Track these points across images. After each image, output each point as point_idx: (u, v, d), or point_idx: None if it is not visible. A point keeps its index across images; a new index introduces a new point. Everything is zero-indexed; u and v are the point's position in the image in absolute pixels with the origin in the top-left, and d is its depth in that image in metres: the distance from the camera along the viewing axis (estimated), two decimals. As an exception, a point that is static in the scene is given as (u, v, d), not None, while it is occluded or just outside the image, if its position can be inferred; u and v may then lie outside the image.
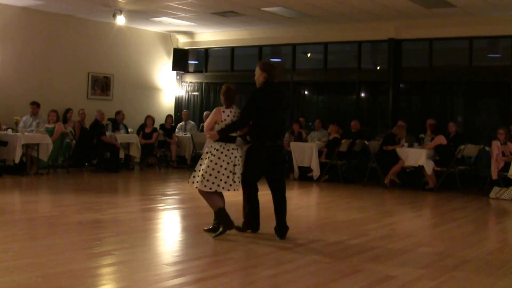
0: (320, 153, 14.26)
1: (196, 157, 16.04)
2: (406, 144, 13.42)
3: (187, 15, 15.30)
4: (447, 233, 8.27)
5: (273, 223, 7.46)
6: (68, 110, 15.40)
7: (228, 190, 7.17)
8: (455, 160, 12.89)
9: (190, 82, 19.24)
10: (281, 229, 7.33)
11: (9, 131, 13.46)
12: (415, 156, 12.95)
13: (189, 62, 19.24)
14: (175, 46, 18.98)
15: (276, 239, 7.26)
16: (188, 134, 16.63)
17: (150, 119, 16.27)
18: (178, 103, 19.30)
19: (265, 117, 7.20)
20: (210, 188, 7.10)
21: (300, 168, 14.42)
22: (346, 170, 14.50)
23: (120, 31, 17.16)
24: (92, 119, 15.16)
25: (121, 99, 17.45)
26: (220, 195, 7.36)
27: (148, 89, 18.40)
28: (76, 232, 7.48)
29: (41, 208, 9.48)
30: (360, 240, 7.46)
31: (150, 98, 18.48)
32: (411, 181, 13.48)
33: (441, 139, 12.95)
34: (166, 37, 18.78)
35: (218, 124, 7.21)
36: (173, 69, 18.86)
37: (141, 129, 16.27)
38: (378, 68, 16.55)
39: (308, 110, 17.60)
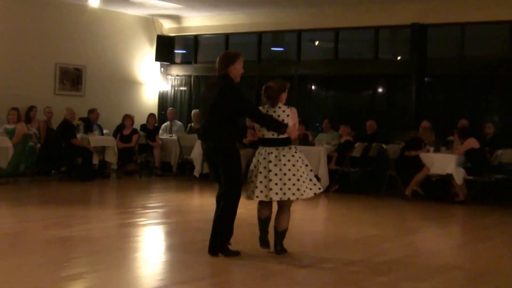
0: (329, 158, 14.27)
1: (183, 163, 16.08)
2: (431, 149, 13.43)
3: (173, -5, 15.33)
4: (480, 255, 8.28)
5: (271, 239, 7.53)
6: (31, 108, 15.38)
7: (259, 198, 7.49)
8: (491, 167, 12.90)
9: (177, 75, 19.25)
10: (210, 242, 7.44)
11: (-38, 133, 13.47)
12: (442, 163, 12.95)
13: (176, 51, 19.25)
14: (159, 33, 19.00)
15: (278, 259, 7.31)
16: (174, 137, 16.62)
17: (129, 118, 16.25)
18: (163, 99, 19.31)
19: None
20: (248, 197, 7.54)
21: (306, 176, 14.42)
22: (360, 179, 14.51)
23: (93, 15, 17.17)
24: (61, 119, 15.12)
25: (95, 95, 17.45)
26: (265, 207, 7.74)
27: (126, 83, 18.41)
28: (41, 252, 7.49)
29: (0, 224, 9.49)
30: (377, 261, 7.47)
31: (129, 94, 18.49)
32: (438, 192, 13.48)
33: (472, 142, 12.94)
34: (148, 22, 18.80)
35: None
36: (157, 59, 18.87)
37: (118, 131, 16.26)
38: (398, 58, 16.55)
39: (315, 108, 17.62)
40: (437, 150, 13.44)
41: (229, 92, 7.32)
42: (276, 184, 7.34)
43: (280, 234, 7.61)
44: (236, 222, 7.42)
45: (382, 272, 6.93)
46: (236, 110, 7.37)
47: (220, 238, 7.35)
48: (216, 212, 7.42)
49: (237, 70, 7.46)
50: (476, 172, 12.94)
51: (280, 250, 7.59)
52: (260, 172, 7.42)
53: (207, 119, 7.43)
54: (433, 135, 13.66)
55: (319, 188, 7.64)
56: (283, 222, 7.61)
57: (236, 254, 7.37)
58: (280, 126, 7.43)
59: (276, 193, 7.34)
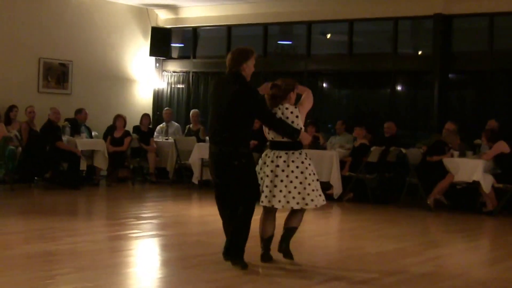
0: (342, 164, 14.25)
1: (181, 169, 16.06)
2: (456, 153, 13.39)
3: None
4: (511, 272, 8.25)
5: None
6: (11, 108, 15.37)
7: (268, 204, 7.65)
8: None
9: (174, 72, 19.26)
10: (228, 250, 7.65)
11: None
12: (468, 169, 12.90)
13: (172, 45, 19.27)
14: (153, 24, 19.00)
15: (287, 275, 7.29)
16: (171, 140, 16.63)
17: (120, 119, 16.25)
18: (158, 98, 19.31)
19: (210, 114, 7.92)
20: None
21: (317, 184, 14.40)
22: (377, 187, 14.48)
23: (81, 4, 17.21)
24: (45, 120, 15.13)
25: (83, 93, 17.46)
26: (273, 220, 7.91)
27: (118, 81, 18.42)
28: (22, 268, 7.47)
29: (-23, 236, 9.48)
30: (396, 278, 7.45)
31: (120, 92, 18.50)
32: (463, 202, 13.45)
33: (502, 146, 12.89)
34: (142, 12, 18.81)
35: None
36: (151, 54, 18.88)
37: (109, 133, 16.26)
38: (420, 53, 16.53)
39: (327, 108, 17.59)
40: (462, 154, 13.39)
41: (245, 92, 7.49)
42: (280, 191, 7.52)
43: (288, 231, 7.86)
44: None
45: (403, 291, 6.92)
46: (251, 112, 7.52)
47: (239, 246, 7.55)
48: (235, 218, 7.59)
49: (250, 68, 7.63)
50: (507, 179, 12.89)
51: (285, 250, 7.85)
52: (267, 176, 7.57)
53: (221, 121, 7.54)
54: (458, 138, 13.63)
55: (323, 200, 7.83)
56: (294, 220, 7.87)
57: (245, 266, 7.47)
58: (294, 132, 7.64)
59: (279, 201, 7.52)
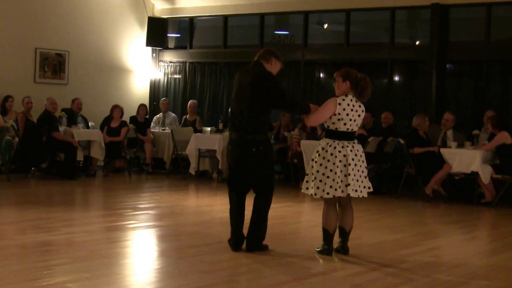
0: (340, 154, 14.22)
1: (178, 160, 16.04)
2: (454, 144, 13.35)
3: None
4: (509, 264, 8.24)
5: (281, 244, 7.46)
6: (7, 98, 15.34)
7: (335, 195, 7.81)
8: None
9: (170, 62, 19.22)
10: (248, 239, 7.94)
11: None
12: (467, 160, 12.86)
13: (169, 35, 19.23)
14: (150, 14, 18.96)
15: (283, 268, 7.28)
16: (168, 130, 16.61)
17: (117, 110, 16.22)
18: (155, 89, 19.29)
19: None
20: (315, 194, 7.81)
21: (314, 174, 14.38)
22: (375, 177, 14.45)
23: (77, -6, 17.18)
24: (41, 110, 15.11)
25: (80, 83, 17.42)
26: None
27: (114, 71, 18.38)
28: (18, 258, 7.46)
29: (-27, 227, 9.46)
30: (394, 269, 7.43)
31: (117, 83, 18.46)
32: (461, 193, 13.42)
33: (504, 137, 12.79)
34: (138, 2, 18.75)
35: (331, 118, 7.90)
36: (148, 44, 18.85)
37: (105, 123, 16.24)
38: (417, 43, 16.50)
39: (324, 98, 17.50)
40: (461, 145, 13.36)
41: (262, 75, 7.79)
42: (355, 180, 7.83)
43: (348, 234, 8.06)
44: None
45: (400, 282, 6.91)
46: (269, 99, 7.75)
47: (260, 235, 7.91)
48: (254, 209, 7.93)
49: (276, 66, 7.94)
50: (505, 170, 12.87)
51: (347, 249, 8.04)
52: (337, 167, 7.75)
53: (243, 108, 7.78)
54: (426, 120, 13.57)
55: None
56: (350, 220, 8.06)
57: (266, 248, 7.94)
58: (307, 109, 7.99)
59: (355, 190, 7.81)
